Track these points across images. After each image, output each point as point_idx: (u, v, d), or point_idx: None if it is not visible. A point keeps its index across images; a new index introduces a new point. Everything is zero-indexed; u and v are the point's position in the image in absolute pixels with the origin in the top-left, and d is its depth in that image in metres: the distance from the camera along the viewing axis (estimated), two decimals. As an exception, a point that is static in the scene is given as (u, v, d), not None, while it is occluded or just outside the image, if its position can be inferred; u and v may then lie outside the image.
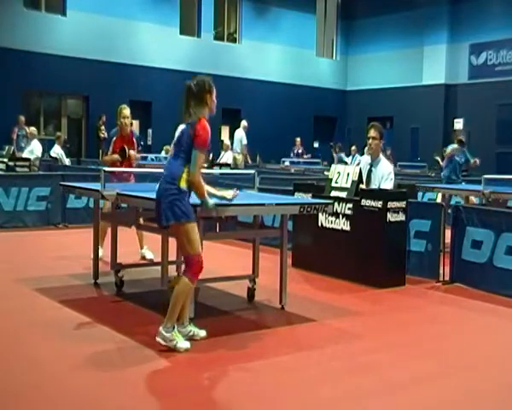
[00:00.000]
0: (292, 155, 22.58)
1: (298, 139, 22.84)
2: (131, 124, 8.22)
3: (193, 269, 4.62)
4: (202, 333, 4.88)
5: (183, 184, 4.57)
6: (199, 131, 4.57)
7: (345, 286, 6.81)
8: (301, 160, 21.90)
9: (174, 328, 4.61)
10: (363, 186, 7.13)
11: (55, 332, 5.07)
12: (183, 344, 4.59)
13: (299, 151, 22.75)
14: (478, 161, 11.83)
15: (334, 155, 21.73)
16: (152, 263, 7.37)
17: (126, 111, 7.91)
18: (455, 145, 11.63)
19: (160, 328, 4.58)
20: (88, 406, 3.73)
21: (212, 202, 4.73)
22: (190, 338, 4.77)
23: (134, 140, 8.00)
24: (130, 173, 7.90)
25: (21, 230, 10.02)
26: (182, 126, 4.72)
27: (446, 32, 25.25)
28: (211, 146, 4.71)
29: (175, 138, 4.71)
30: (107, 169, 7.34)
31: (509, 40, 23.29)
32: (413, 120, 25.46)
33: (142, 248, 7.87)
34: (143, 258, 7.80)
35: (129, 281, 6.48)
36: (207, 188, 4.77)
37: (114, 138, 7.86)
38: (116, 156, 7.71)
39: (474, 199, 9.90)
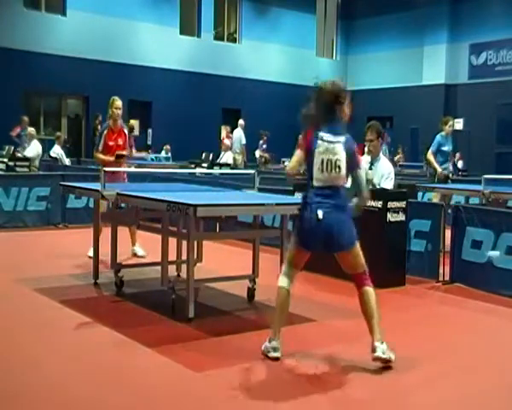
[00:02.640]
0: None
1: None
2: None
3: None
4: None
5: None
6: None
7: (345, 286, 6.75)
8: None
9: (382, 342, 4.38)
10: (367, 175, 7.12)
11: (55, 332, 5.07)
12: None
13: None
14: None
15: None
16: (152, 263, 7.36)
17: (119, 102, 7.84)
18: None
19: (377, 344, 4.37)
20: (87, 406, 3.73)
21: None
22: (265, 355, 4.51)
23: (125, 133, 7.95)
24: (124, 173, 7.91)
25: (21, 230, 10.02)
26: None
27: (446, 32, 25.27)
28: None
29: None
30: (106, 169, 7.41)
31: (509, 40, 23.30)
32: (413, 120, 25.45)
33: (134, 245, 7.88)
34: (135, 255, 7.80)
35: (129, 281, 6.48)
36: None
37: (105, 132, 7.82)
38: (109, 159, 7.65)
39: (437, 196, 9.61)
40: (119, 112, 7.84)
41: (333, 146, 4.37)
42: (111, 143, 7.79)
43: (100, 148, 7.82)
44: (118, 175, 7.60)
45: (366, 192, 4.62)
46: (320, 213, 4.34)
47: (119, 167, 7.66)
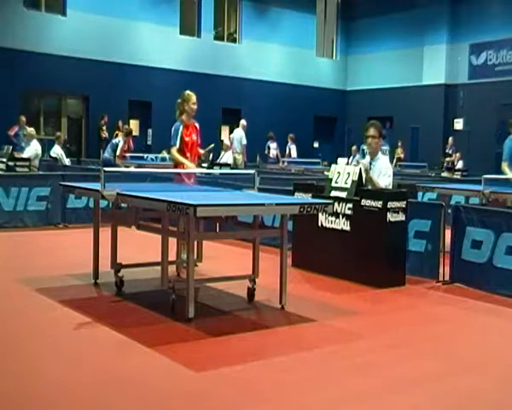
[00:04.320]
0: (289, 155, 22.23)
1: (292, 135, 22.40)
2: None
3: None
4: None
5: None
6: None
7: (345, 286, 6.81)
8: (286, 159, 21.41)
9: None
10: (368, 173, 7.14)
11: (55, 332, 5.08)
12: None
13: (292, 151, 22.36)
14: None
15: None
16: (152, 263, 7.34)
17: (194, 98, 7.58)
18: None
19: None
20: (87, 406, 3.73)
21: None
22: None
23: (196, 127, 7.77)
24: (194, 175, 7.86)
25: (21, 230, 10.02)
26: None
27: (446, 32, 25.24)
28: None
29: None
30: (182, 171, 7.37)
31: (509, 40, 23.29)
32: (413, 120, 25.46)
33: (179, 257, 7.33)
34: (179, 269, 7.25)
35: (129, 281, 6.48)
36: None
37: (181, 129, 7.57)
38: (188, 164, 7.50)
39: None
40: (195, 107, 7.60)
41: None
42: (187, 139, 7.60)
43: (178, 145, 7.56)
44: (192, 176, 7.65)
45: None
46: None
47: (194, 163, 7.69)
